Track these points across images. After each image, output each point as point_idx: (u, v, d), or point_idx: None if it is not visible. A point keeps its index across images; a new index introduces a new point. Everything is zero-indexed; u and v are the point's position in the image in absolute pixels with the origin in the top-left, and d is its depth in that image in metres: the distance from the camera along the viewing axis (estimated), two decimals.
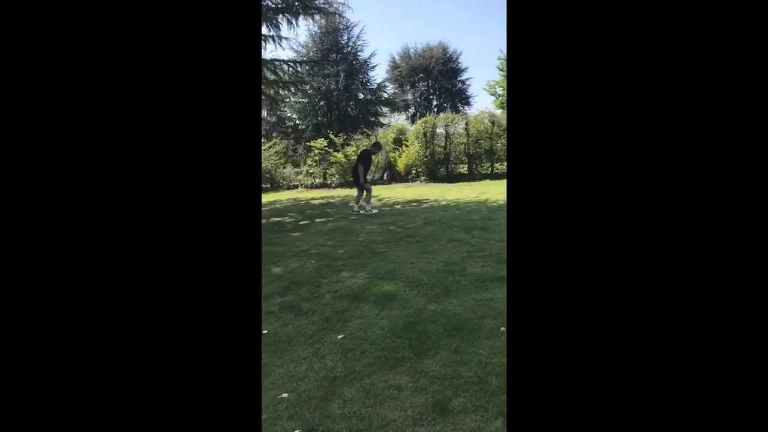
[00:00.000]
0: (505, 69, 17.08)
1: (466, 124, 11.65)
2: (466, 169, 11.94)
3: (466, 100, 22.33)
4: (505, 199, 6.45)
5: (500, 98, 17.29)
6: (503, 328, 2.15)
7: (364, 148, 8.34)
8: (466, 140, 11.57)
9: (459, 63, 22.17)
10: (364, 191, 6.68)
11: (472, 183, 10.34)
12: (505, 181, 10.11)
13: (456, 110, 18.95)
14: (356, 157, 7.34)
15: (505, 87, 17.04)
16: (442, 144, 11.69)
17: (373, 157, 7.33)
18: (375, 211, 6.54)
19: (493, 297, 2.60)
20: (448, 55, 21.90)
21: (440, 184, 10.80)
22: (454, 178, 11.43)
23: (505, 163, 11.75)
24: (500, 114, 12.15)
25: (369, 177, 6.91)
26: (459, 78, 22.25)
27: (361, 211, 6.49)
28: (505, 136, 11.15)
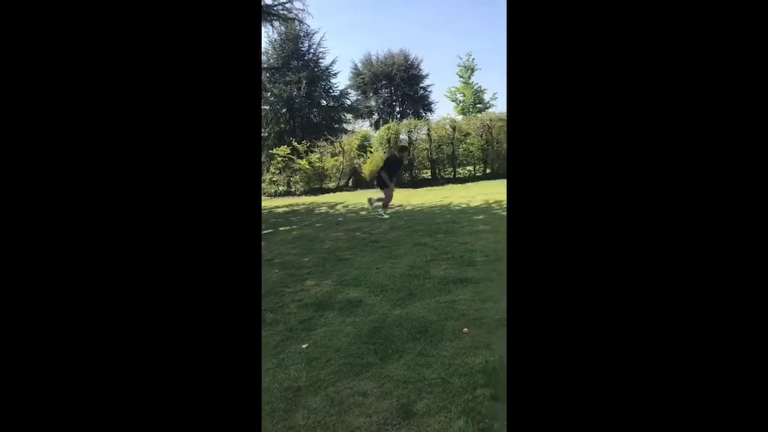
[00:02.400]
0: (464, 76, 17.55)
1: (428, 129, 11.85)
2: (429, 174, 12.12)
3: (428, 107, 22.71)
4: (467, 203, 6.62)
5: (461, 104, 17.71)
6: (466, 329, 2.20)
7: (392, 152, 7.97)
8: (428, 146, 11.76)
9: (420, 70, 22.56)
10: (384, 195, 6.59)
11: (435, 188, 10.52)
12: (466, 185, 10.37)
13: (418, 116, 19.23)
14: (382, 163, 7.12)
15: (465, 93, 17.49)
16: (408, 149, 11.81)
17: (402, 158, 7.08)
18: (386, 216, 6.41)
19: (456, 299, 2.65)
20: (409, 62, 22.24)
21: (405, 189, 10.90)
22: (418, 183, 11.58)
23: (467, 168, 12.05)
24: (461, 120, 12.45)
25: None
26: (421, 85, 22.62)
27: (385, 216, 6.39)
28: (466, 141, 11.44)
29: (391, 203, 7.14)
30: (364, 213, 7.16)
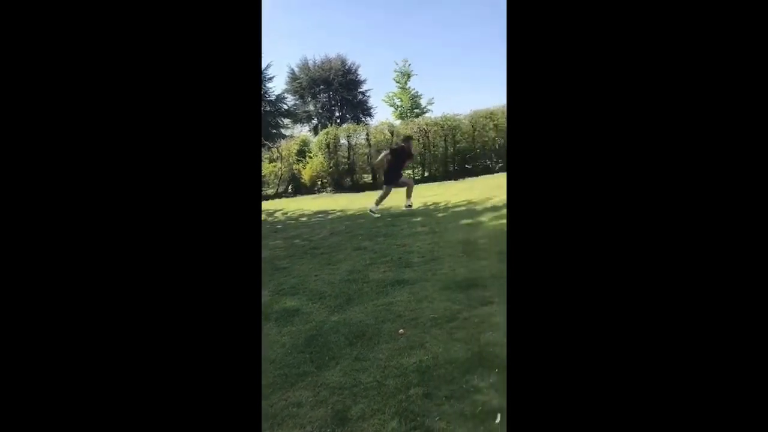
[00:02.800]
0: (401, 81, 17.92)
1: (367, 134, 11.94)
2: (370, 178, 12.21)
3: (367, 111, 22.92)
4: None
5: (399, 109, 18.04)
6: (401, 330, 2.24)
7: (398, 145, 7.12)
8: (368, 150, 11.84)
9: (358, 75, 22.72)
10: (405, 187, 6.33)
11: (376, 191, 10.59)
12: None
13: (358, 121, 19.31)
14: (389, 156, 6.62)
15: (402, 99, 17.86)
16: (346, 155, 11.82)
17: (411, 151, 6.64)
18: (378, 215, 6.11)
19: (393, 301, 2.69)
20: (347, 66, 22.31)
21: (347, 194, 10.89)
22: (359, 187, 11.61)
23: (407, 171, 12.27)
24: (399, 124, 12.70)
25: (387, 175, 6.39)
26: (359, 90, 22.77)
27: (405, 207, 6.16)
28: None
29: (332, 209, 7.08)
30: (304, 219, 7.05)
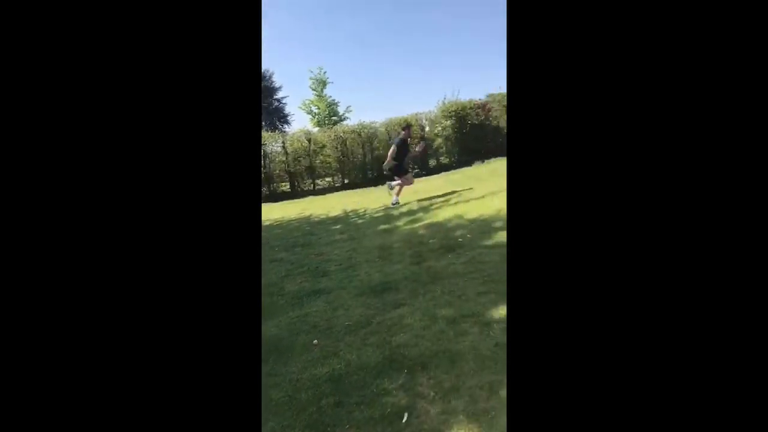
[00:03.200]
0: (317, 89, 17.83)
1: (283, 142, 11.68)
2: (288, 186, 11.94)
3: (284, 118, 22.44)
4: (326, 213, 6.68)
5: (316, 117, 17.90)
6: (315, 341, 2.22)
7: (400, 137, 6.54)
8: (285, 158, 11.59)
9: (273, 82, 22.17)
10: (400, 182, 6.04)
11: (295, 200, 10.40)
12: (326, 195, 10.52)
13: (275, 128, 18.80)
14: (395, 148, 6.28)
15: (319, 106, 17.77)
16: (262, 163, 11.43)
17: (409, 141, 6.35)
18: (399, 208, 5.84)
19: (309, 312, 2.66)
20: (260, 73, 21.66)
21: (264, 204, 10.51)
22: (277, 196, 11.29)
23: (326, 179, 12.23)
24: (317, 132, 12.61)
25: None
26: (275, 97, 22.22)
27: (397, 204, 5.86)
28: (323, 153, 11.63)
29: None
30: None
